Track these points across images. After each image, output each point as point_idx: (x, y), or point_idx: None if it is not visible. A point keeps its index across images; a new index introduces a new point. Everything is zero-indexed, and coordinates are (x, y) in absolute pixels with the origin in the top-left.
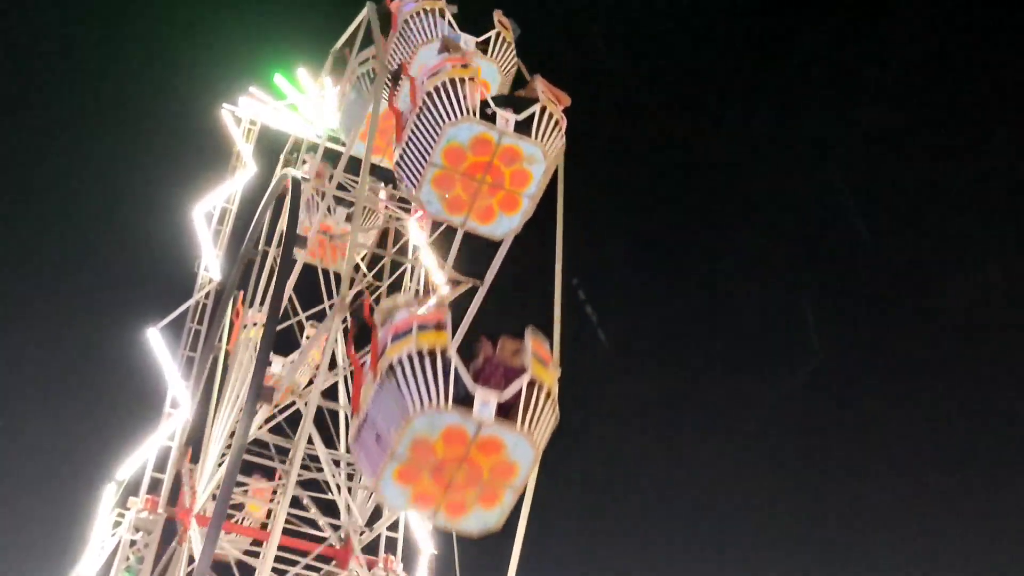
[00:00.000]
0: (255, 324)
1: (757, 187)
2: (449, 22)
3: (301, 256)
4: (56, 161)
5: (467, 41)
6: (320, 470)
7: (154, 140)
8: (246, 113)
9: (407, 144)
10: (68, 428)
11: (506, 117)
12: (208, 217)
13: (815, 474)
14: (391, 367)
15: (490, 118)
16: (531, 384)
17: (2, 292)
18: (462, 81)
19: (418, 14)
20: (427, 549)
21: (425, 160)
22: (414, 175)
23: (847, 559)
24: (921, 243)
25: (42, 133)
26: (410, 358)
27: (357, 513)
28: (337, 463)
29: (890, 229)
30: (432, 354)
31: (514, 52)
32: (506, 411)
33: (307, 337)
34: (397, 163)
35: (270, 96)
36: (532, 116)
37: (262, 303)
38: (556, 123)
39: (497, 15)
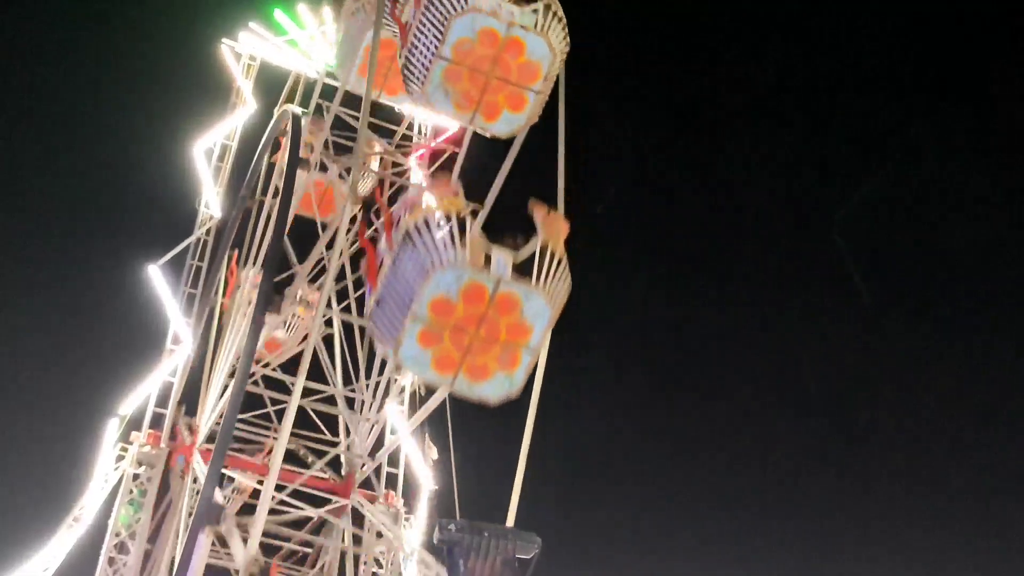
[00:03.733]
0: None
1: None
2: None
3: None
4: (55, 98)
5: (512, 12)
6: (325, 400)
7: (154, 76)
8: (246, 49)
9: (413, 43)
10: (71, 364)
11: (511, 9)
12: (208, 154)
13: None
14: (408, 233)
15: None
16: (543, 249)
17: (4, 230)
18: (447, 216)
19: None
20: (427, 485)
21: (433, 55)
22: (422, 73)
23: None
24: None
25: (41, 70)
26: (427, 222)
27: (359, 444)
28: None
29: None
30: (448, 217)
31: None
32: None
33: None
34: (404, 66)
35: (270, 32)
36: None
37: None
38: (559, 18)
39: None
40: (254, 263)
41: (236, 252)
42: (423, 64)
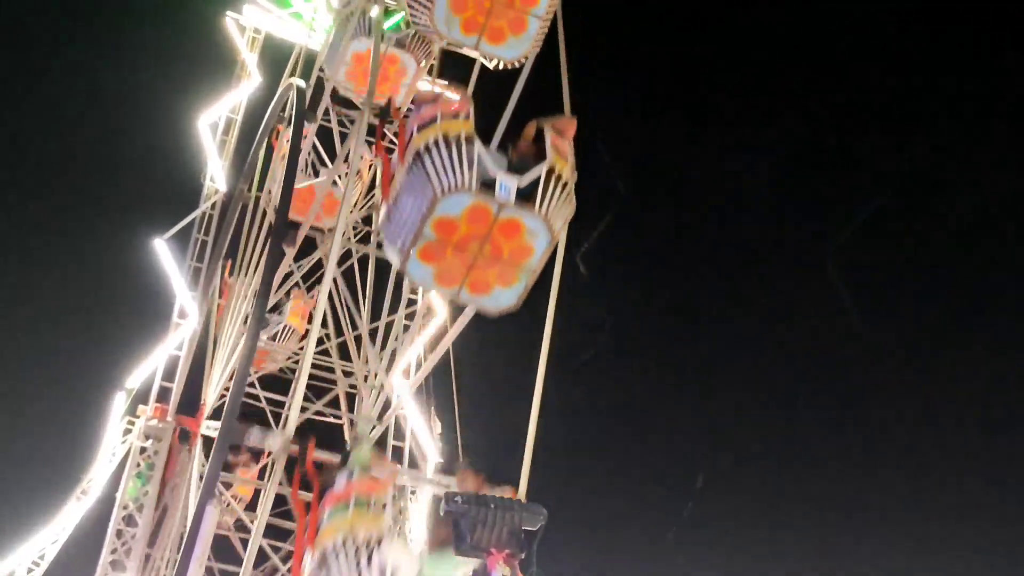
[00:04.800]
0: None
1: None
2: None
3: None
4: (61, 71)
5: None
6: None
7: (158, 50)
8: (250, 22)
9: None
10: (78, 338)
11: (508, 185)
12: (213, 127)
13: None
14: (418, 153)
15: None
16: (549, 172)
17: (10, 204)
18: (456, 139)
19: None
20: (433, 457)
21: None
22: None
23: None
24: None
25: (46, 43)
26: (436, 144)
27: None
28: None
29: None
30: (457, 139)
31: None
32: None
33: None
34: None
35: (274, 4)
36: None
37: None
38: (564, 186)
39: None
40: (246, 272)
41: (229, 262)
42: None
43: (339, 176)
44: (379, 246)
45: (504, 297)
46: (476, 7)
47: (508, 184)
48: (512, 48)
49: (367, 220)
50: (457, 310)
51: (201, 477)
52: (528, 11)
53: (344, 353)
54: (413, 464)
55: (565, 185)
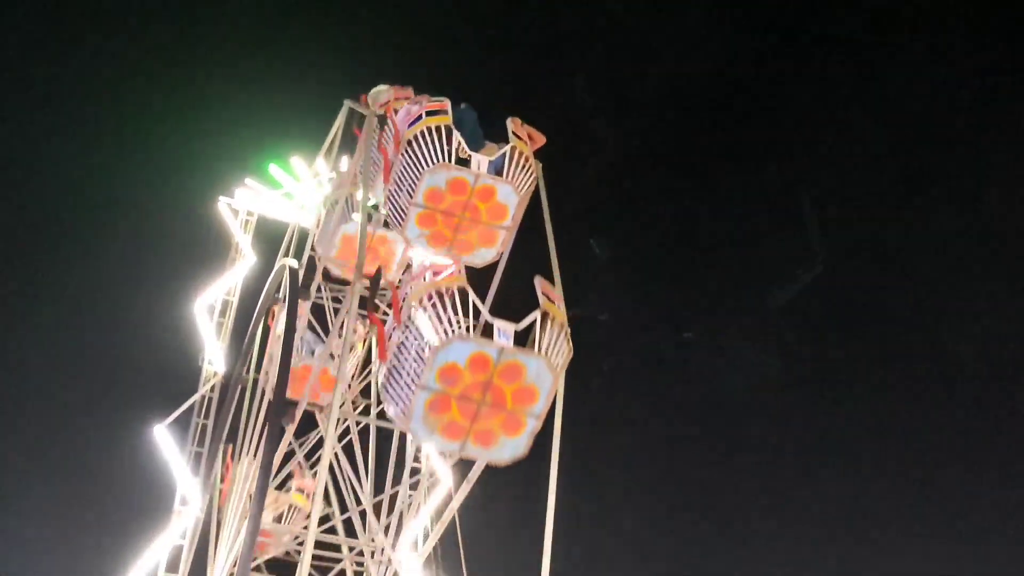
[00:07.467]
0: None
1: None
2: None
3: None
4: (55, 260)
5: (479, 162)
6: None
7: (152, 235)
8: (243, 205)
9: (393, 188)
10: (77, 531)
11: (479, 160)
12: (210, 310)
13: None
14: (411, 314)
15: (465, 162)
16: (544, 316)
17: (6, 395)
18: (438, 129)
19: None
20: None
21: (409, 200)
22: (400, 214)
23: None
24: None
25: (40, 231)
26: (430, 296)
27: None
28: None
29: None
30: (450, 290)
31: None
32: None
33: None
34: (386, 200)
35: (266, 186)
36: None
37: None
38: (526, 161)
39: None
40: (247, 453)
41: (231, 446)
42: (401, 207)
43: (333, 354)
44: (380, 416)
45: (512, 445)
46: (445, 222)
47: (506, 331)
48: (481, 256)
49: (365, 392)
50: (462, 474)
51: None
52: (495, 224)
53: (350, 530)
54: None
55: (561, 326)
